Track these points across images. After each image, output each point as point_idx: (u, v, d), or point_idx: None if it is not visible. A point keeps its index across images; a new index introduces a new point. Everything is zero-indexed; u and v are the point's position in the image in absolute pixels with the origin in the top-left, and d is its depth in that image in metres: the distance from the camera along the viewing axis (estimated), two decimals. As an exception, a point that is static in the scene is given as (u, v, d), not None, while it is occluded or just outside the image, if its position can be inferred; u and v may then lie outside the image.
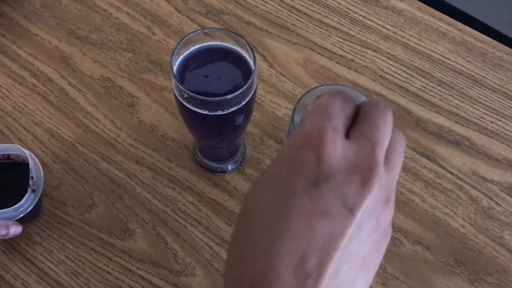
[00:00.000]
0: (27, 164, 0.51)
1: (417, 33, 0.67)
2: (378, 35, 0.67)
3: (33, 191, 0.50)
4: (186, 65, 0.46)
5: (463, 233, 0.55)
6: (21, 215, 0.50)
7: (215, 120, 0.46)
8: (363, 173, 0.24)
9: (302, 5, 0.69)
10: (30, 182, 0.50)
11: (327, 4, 0.69)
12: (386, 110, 0.26)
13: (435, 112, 0.61)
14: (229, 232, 0.55)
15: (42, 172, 0.53)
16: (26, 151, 0.51)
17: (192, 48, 0.47)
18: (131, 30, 0.67)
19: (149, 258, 0.54)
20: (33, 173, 0.50)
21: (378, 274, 0.53)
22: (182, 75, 0.45)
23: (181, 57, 0.46)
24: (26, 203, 0.50)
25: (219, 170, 0.58)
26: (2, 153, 0.52)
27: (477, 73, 0.64)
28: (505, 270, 0.53)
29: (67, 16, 0.68)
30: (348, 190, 0.23)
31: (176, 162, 0.58)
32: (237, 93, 0.42)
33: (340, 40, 0.66)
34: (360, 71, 0.64)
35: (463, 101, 0.62)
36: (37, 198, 0.51)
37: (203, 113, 0.44)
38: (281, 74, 0.64)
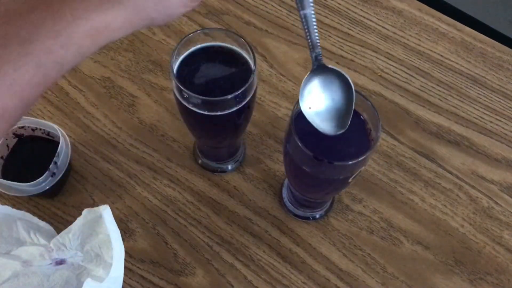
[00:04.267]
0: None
1: (416, 33, 0.67)
2: (378, 35, 0.67)
3: (53, 174, 0.52)
4: (186, 65, 0.46)
5: (463, 232, 0.55)
6: (39, 192, 0.52)
7: (215, 120, 0.46)
8: None
9: (302, 5, 0.69)
10: (52, 165, 0.51)
11: (327, 4, 0.69)
12: None
13: (434, 112, 0.62)
14: (229, 232, 0.55)
15: (69, 157, 0.54)
16: (62, 135, 0.53)
17: (193, 48, 0.47)
18: (131, 30, 0.67)
19: (149, 258, 0.54)
20: (59, 158, 0.52)
21: (377, 273, 0.53)
22: (181, 75, 0.45)
23: (181, 58, 0.46)
24: (43, 183, 0.52)
25: (219, 170, 0.58)
26: (43, 128, 0.55)
27: (477, 73, 0.64)
28: (504, 269, 0.53)
29: (67, 16, 0.68)
30: None
31: (176, 162, 0.58)
32: (237, 93, 0.43)
33: (340, 40, 0.66)
34: (360, 71, 0.64)
35: (462, 101, 0.62)
36: (56, 181, 0.52)
37: (203, 113, 0.44)
38: (281, 74, 0.64)
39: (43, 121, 0.55)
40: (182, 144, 0.59)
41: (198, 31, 0.46)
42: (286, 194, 0.56)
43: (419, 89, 0.63)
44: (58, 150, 0.52)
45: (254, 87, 0.45)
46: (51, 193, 0.55)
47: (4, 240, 0.48)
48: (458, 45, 0.66)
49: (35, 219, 0.50)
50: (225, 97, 0.42)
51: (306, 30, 0.38)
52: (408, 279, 0.53)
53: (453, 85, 0.63)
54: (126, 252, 0.53)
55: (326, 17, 0.68)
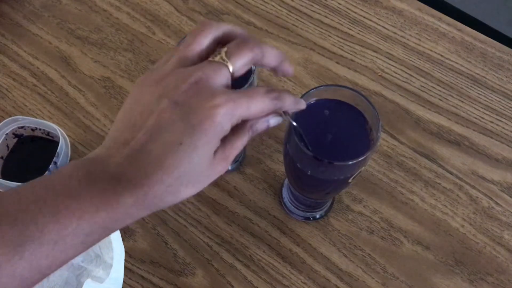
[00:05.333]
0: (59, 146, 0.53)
1: (417, 33, 0.67)
2: (378, 35, 0.67)
3: None
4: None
5: (463, 233, 0.55)
6: None
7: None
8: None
9: (302, 5, 0.69)
10: (52, 165, 0.51)
11: (327, 4, 0.69)
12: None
13: (435, 112, 0.61)
14: (229, 232, 0.55)
15: (69, 157, 0.55)
16: (62, 135, 0.53)
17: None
18: (131, 30, 0.67)
19: (149, 258, 0.54)
20: (59, 158, 0.52)
21: (377, 273, 0.53)
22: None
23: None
24: None
25: (219, 170, 0.58)
26: (43, 128, 0.56)
27: (477, 73, 0.64)
28: (504, 270, 0.53)
29: (67, 16, 0.68)
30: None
31: (176, 162, 0.58)
32: (237, 93, 0.42)
33: (340, 40, 0.66)
34: (360, 71, 0.64)
35: (463, 101, 0.62)
36: None
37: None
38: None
39: (43, 121, 0.55)
40: (182, 144, 0.59)
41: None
42: (286, 194, 0.56)
43: (419, 89, 0.63)
44: (58, 150, 0.52)
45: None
46: None
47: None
48: (458, 45, 0.66)
49: None
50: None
51: None
52: (408, 279, 0.53)
53: (453, 85, 0.63)
54: (126, 252, 0.53)
55: (326, 16, 0.68)
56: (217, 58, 0.32)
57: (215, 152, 0.32)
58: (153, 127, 0.31)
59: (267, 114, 0.34)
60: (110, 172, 0.31)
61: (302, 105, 0.36)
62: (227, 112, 0.31)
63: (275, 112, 0.35)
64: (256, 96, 0.33)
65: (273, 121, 0.35)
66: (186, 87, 0.31)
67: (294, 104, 0.35)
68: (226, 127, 0.32)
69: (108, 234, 0.32)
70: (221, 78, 0.32)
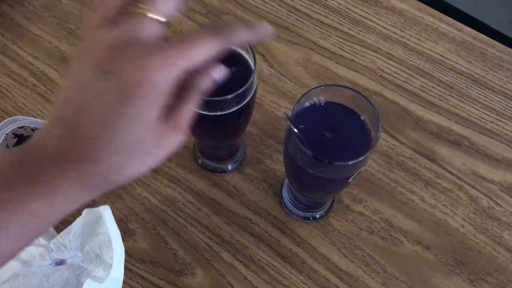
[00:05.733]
0: None
1: (417, 33, 0.67)
2: (378, 35, 0.67)
3: None
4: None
5: (463, 233, 0.55)
6: None
7: (215, 120, 0.46)
8: None
9: (302, 5, 0.69)
10: None
11: (327, 4, 0.69)
12: None
13: (435, 112, 0.61)
14: (229, 232, 0.55)
15: None
16: None
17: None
18: (131, 30, 0.67)
19: (149, 258, 0.54)
20: None
21: (377, 273, 0.53)
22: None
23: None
24: None
25: (219, 170, 0.58)
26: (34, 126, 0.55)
27: (477, 73, 0.64)
28: (504, 270, 0.53)
29: (67, 16, 0.68)
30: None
31: (176, 162, 0.58)
32: (237, 93, 0.42)
33: (340, 40, 0.66)
34: (360, 71, 0.64)
35: (463, 101, 0.62)
36: None
37: (204, 114, 0.44)
38: (281, 74, 0.64)
39: (43, 121, 0.55)
40: (182, 144, 0.59)
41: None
42: (286, 194, 0.56)
43: (419, 89, 0.63)
44: None
45: (254, 87, 0.45)
46: None
47: (4, 240, 0.48)
48: (458, 45, 0.66)
49: None
50: (225, 97, 0.42)
51: None
52: (408, 279, 0.53)
53: (453, 85, 0.63)
54: (126, 252, 0.53)
55: (326, 16, 0.68)
56: (138, 9, 0.29)
57: (165, 121, 0.29)
58: (84, 101, 0.28)
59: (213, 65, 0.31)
60: (45, 156, 0.28)
61: (265, 29, 0.32)
62: (162, 71, 0.28)
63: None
64: (195, 41, 0.29)
65: (217, 74, 0.32)
66: (111, 53, 0.28)
67: (252, 34, 0.31)
68: (165, 87, 0.28)
69: (53, 222, 0.29)
70: (148, 30, 0.28)
